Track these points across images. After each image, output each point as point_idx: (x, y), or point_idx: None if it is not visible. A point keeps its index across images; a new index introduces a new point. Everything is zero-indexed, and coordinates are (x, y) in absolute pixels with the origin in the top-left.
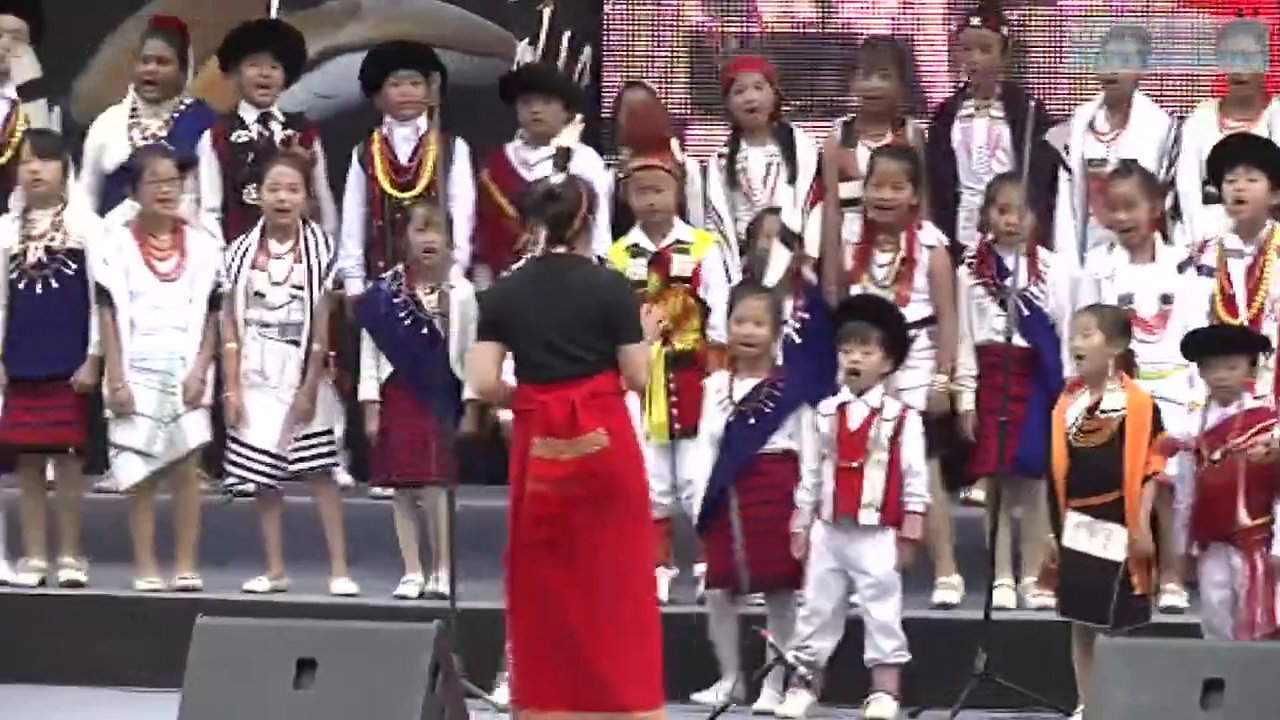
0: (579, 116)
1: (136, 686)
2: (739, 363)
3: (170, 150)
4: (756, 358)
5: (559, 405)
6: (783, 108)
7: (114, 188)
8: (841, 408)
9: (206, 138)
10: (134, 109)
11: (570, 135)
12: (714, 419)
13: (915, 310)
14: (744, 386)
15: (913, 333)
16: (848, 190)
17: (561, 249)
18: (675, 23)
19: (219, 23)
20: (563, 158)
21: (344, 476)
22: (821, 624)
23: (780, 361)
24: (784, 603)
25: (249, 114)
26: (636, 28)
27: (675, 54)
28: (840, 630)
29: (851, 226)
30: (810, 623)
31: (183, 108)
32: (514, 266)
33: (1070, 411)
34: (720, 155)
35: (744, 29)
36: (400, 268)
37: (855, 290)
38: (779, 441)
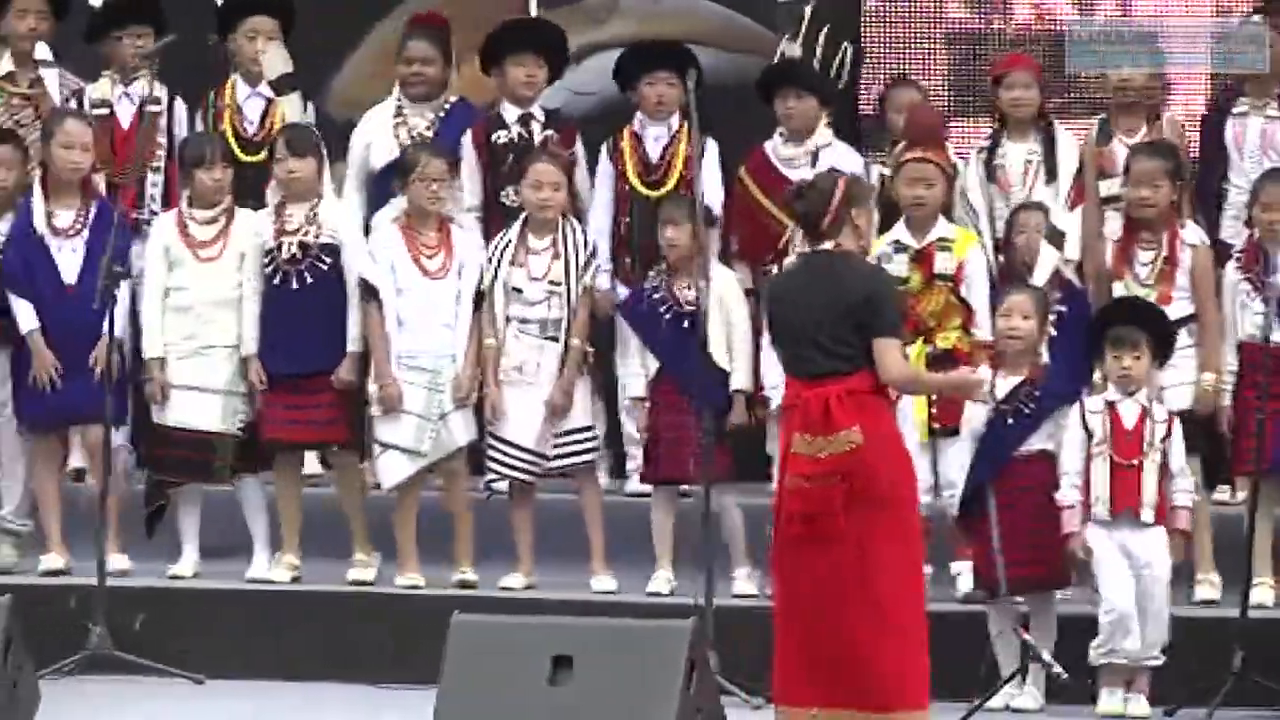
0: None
1: (394, 683)
2: (1003, 358)
3: (442, 148)
4: (1020, 353)
5: (816, 401)
6: (1047, 107)
7: (381, 186)
8: (1111, 405)
9: (468, 138)
10: (399, 108)
11: (824, 133)
12: (976, 414)
13: (1177, 309)
14: (1006, 385)
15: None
16: (1107, 187)
17: (827, 245)
18: (934, 20)
19: (476, 17)
20: (814, 156)
21: (602, 477)
22: (1129, 625)
23: (1045, 356)
24: (1045, 603)
25: (510, 114)
26: (896, 25)
27: (934, 51)
28: (1140, 627)
29: (1112, 224)
30: (1119, 625)
31: (448, 106)
32: (785, 263)
33: None
34: (980, 150)
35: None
36: (663, 264)
37: (1118, 288)
38: (1036, 443)
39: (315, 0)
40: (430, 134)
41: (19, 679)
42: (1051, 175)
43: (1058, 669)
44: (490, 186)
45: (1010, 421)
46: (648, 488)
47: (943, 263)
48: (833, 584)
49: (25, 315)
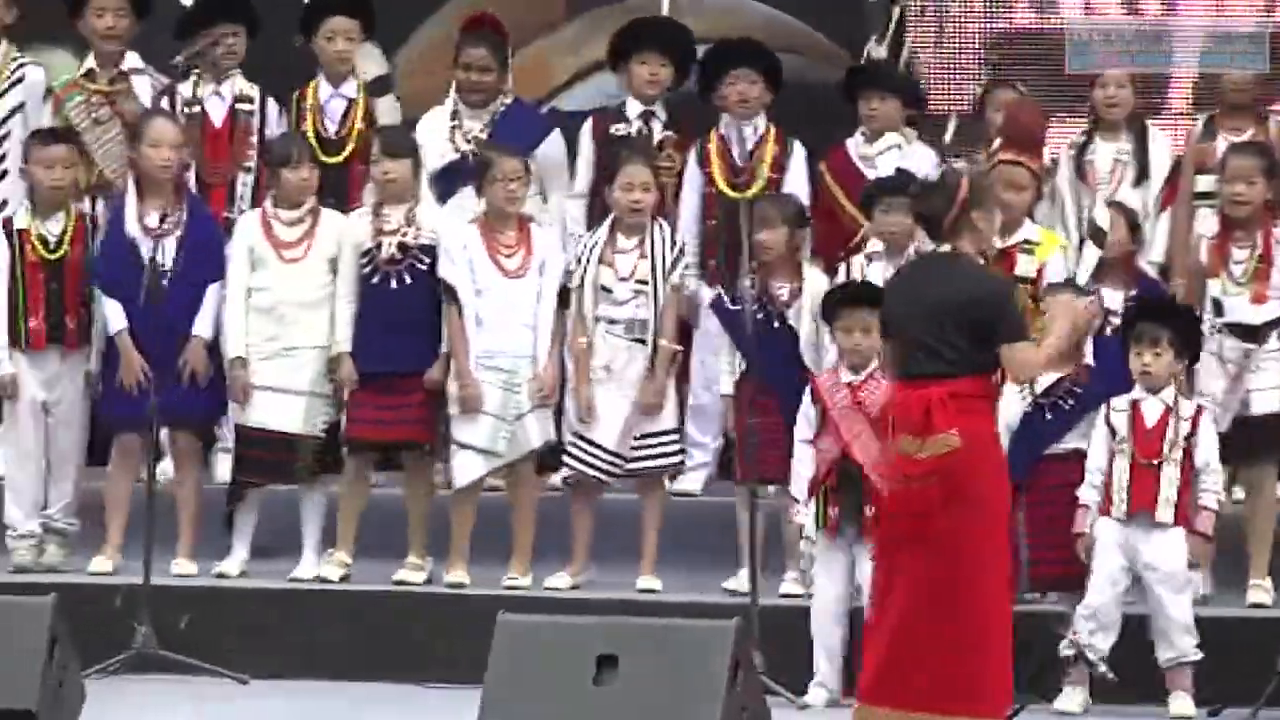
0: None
1: (439, 683)
2: None
3: (517, 148)
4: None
5: (917, 403)
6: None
7: (437, 189)
8: (1135, 405)
9: (587, 126)
10: (455, 111)
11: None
12: (1011, 408)
13: (1271, 309)
14: (1046, 380)
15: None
16: (1206, 184)
17: (945, 246)
18: (1009, 20)
19: (515, 20)
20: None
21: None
22: (1103, 621)
23: (1090, 358)
24: (1074, 602)
25: (633, 109)
26: (977, 28)
27: (1013, 55)
28: (1118, 627)
29: (1207, 222)
30: (1093, 620)
31: (503, 108)
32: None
33: None
34: (1071, 146)
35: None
36: (753, 264)
37: (1212, 286)
38: (1070, 441)
39: None
40: (485, 137)
41: (64, 678)
42: (1142, 175)
43: (1104, 669)
44: (601, 177)
45: (1048, 417)
46: (695, 486)
47: (1024, 265)
48: (927, 585)
49: (115, 316)
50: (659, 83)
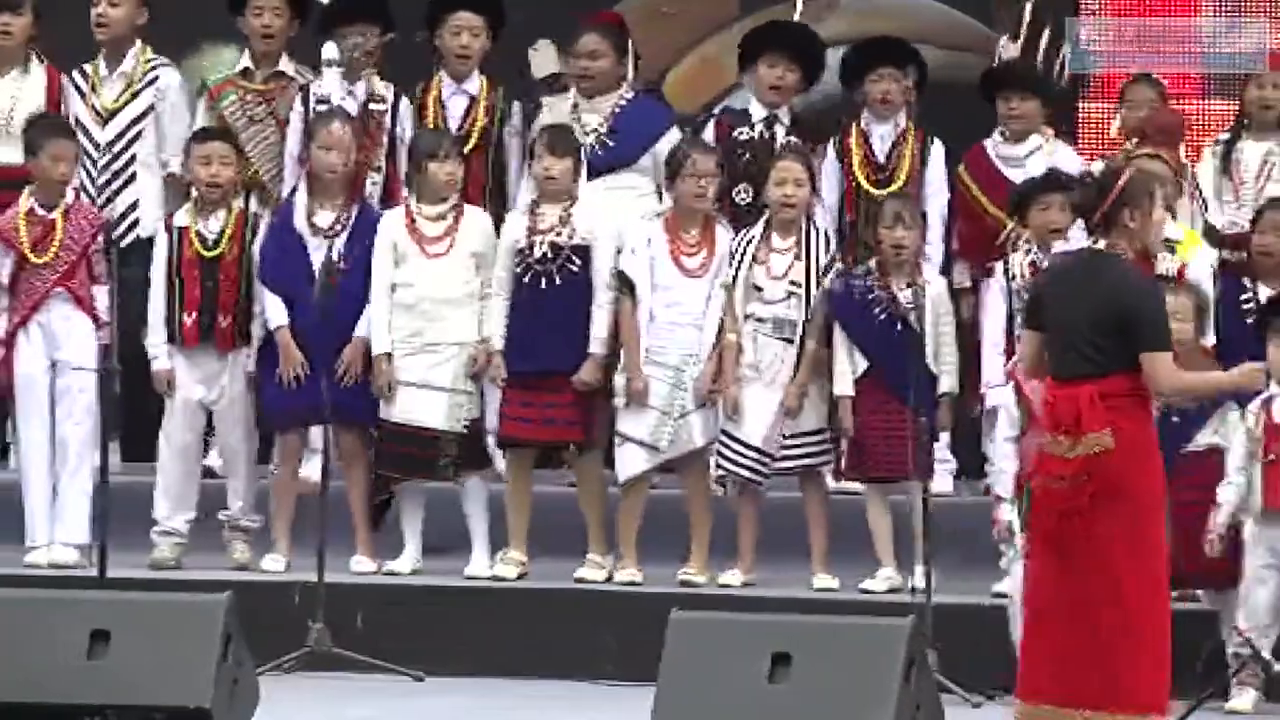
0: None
1: (612, 680)
2: None
3: (713, 146)
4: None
5: (1067, 403)
6: None
7: None
8: (1267, 402)
9: (710, 128)
10: (575, 104)
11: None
12: None
13: None
14: None
15: None
16: None
17: (1100, 244)
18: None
19: (695, 14)
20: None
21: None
22: (1259, 620)
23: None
24: (1226, 599)
25: (757, 112)
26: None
27: (1149, 50)
28: (1278, 625)
29: None
30: (1249, 619)
31: (623, 102)
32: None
33: None
34: (1217, 143)
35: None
36: (874, 262)
37: None
38: (1205, 438)
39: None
40: (604, 130)
41: (239, 675)
42: None
43: (1278, 667)
44: (723, 181)
45: (1175, 419)
46: (855, 485)
47: (1165, 264)
48: (1079, 584)
49: (275, 310)
50: (784, 86)
